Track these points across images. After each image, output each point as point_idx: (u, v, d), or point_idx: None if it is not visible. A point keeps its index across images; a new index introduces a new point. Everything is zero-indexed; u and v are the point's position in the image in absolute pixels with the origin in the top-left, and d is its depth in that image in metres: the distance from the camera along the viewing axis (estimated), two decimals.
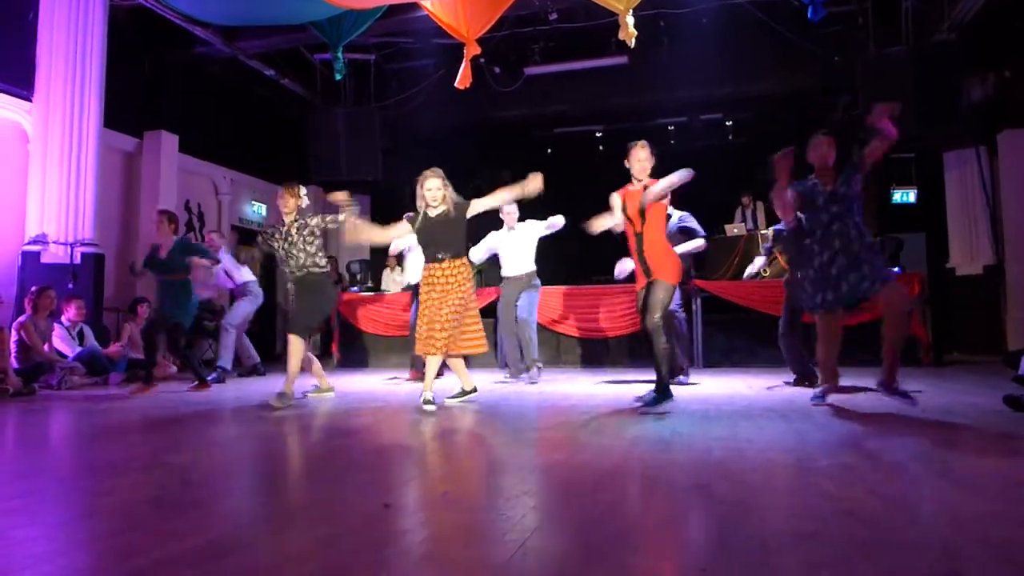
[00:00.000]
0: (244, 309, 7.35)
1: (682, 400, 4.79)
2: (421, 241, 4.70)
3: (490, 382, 6.28)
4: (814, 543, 1.69)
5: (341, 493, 2.30)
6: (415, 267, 6.91)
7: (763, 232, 8.88)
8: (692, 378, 5.95)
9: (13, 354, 6.08)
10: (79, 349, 6.67)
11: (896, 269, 7.94)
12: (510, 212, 6.47)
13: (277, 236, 5.09)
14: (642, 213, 4.31)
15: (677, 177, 4.19)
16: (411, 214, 4.86)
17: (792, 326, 5.72)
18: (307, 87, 10.06)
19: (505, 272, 6.61)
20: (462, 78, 7.04)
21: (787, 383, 5.65)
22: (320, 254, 5.06)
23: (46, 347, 6.43)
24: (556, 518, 1.99)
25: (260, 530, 1.90)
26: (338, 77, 7.70)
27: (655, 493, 2.25)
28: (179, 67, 9.04)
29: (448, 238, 4.57)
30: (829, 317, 4.21)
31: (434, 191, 4.56)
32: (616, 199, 4.46)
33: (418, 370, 6.88)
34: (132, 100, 8.54)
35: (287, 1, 6.27)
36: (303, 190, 5.13)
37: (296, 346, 4.88)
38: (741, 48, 9.06)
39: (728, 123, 11.77)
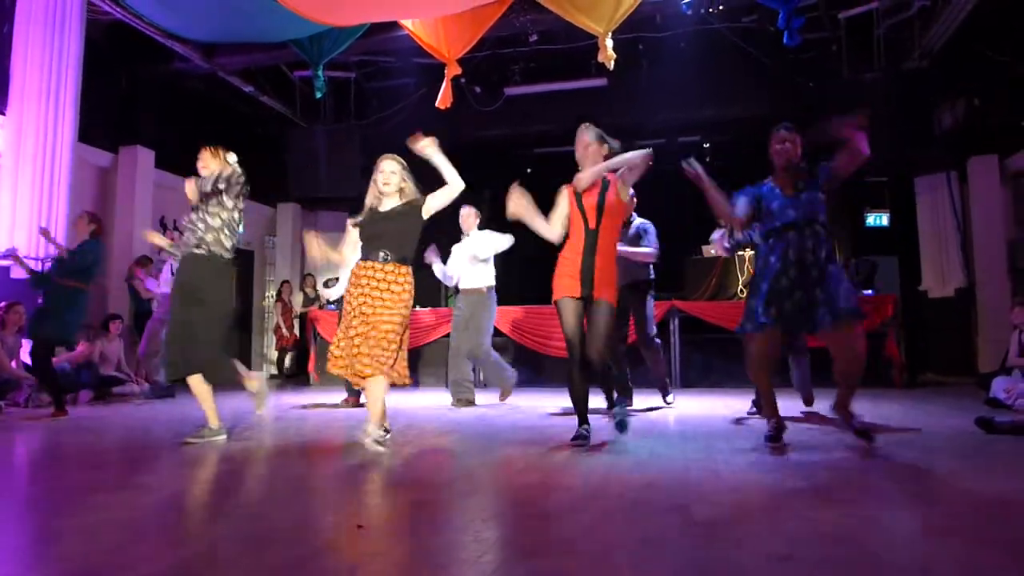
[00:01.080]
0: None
1: (660, 421, 4.79)
2: (363, 235, 3.78)
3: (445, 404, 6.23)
4: (790, 565, 1.68)
5: (312, 515, 2.25)
6: None
7: (740, 253, 8.95)
8: (670, 398, 5.75)
9: None
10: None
11: (869, 292, 8.04)
12: (466, 215, 6.06)
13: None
14: (600, 207, 3.69)
15: (635, 155, 3.73)
16: (354, 219, 3.94)
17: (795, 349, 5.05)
18: (287, 104, 10.03)
19: (460, 284, 6.08)
20: (443, 98, 7.08)
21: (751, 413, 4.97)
22: (226, 235, 4.07)
23: (13, 364, 6.29)
24: (532, 540, 1.96)
25: (231, 552, 1.85)
26: (318, 95, 7.69)
27: (632, 514, 2.23)
28: (156, 82, 8.97)
29: (397, 237, 3.71)
30: (762, 337, 3.52)
31: (387, 174, 3.80)
32: (565, 194, 3.85)
33: (354, 395, 6.14)
34: (108, 115, 8.45)
35: (268, 19, 6.26)
36: (232, 156, 4.27)
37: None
38: (718, 72, 9.19)
39: (706, 145, 11.89)
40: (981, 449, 3.50)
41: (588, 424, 3.67)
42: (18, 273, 6.84)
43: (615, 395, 4.26)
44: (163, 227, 9.55)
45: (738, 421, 4.72)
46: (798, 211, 3.51)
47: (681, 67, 8.99)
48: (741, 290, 8.52)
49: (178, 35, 7.38)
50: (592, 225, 3.69)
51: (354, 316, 3.55)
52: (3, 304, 6.35)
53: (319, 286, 10.01)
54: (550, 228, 3.79)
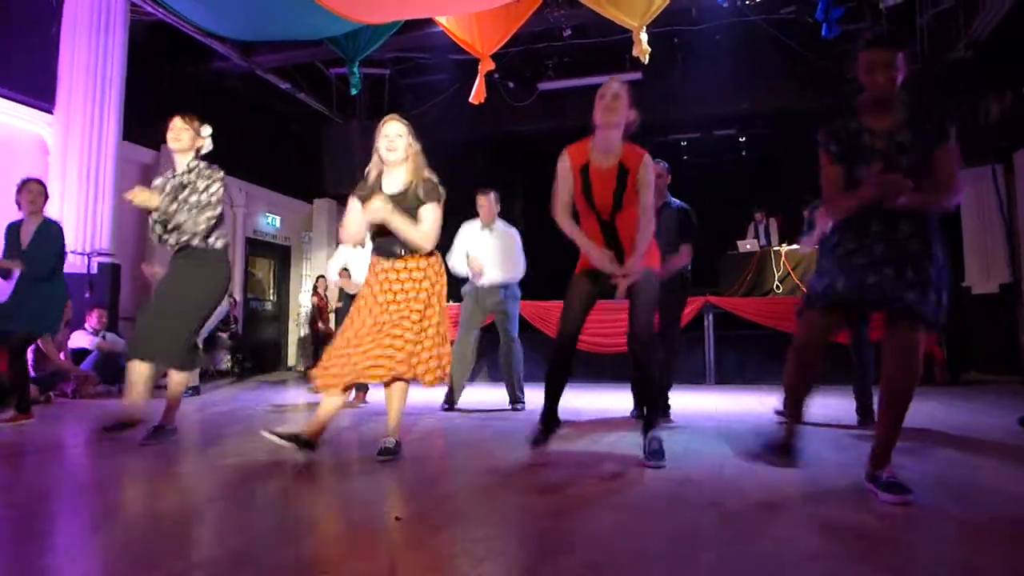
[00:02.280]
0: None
1: (695, 417, 4.76)
2: (371, 229, 3.21)
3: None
4: (827, 563, 1.68)
5: (342, 503, 2.30)
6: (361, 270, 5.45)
7: (776, 248, 8.85)
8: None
9: (30, 363, 6.13)
10: (94, 353, 6.74)
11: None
12: (490, 204, 5.35)
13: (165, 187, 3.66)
14: (617, 204, 3.07)
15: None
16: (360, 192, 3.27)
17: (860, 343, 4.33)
18: (323, 101, 10.16)
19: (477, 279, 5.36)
20: (476, 93, 7.11)
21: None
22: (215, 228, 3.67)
23: (62, 355, 6.50)
24: (567, 534, 1.98)
25: (261, 546, 1.90)
26: (354, 91, 7.77)
27: (668, 509, 2.23)
28: (197, 81, 9.16)
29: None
30: (819, 317, 2.55)
31: (392, 138, 3.16)
32: (568, 167, 3.15)
33: (362, 391, 5.66)
34: (151, 113, 8.62)
35: (305, 18, 6.34)
36: (206, 129, 3.88)
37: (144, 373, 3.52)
38: (755, 65, 9.07)
39: (741, 139, 11.76)
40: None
41: (558, 421, 3.26)
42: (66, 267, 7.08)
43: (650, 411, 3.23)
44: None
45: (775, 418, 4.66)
46: (898, 161, 2.50)
47: (717, 60, 8.89)
48: (777, 286, 8.43)
49: (217, 34, 7.52)
50: (606, 217, 3.12)
51: (372, 322, 3.05)
52: None
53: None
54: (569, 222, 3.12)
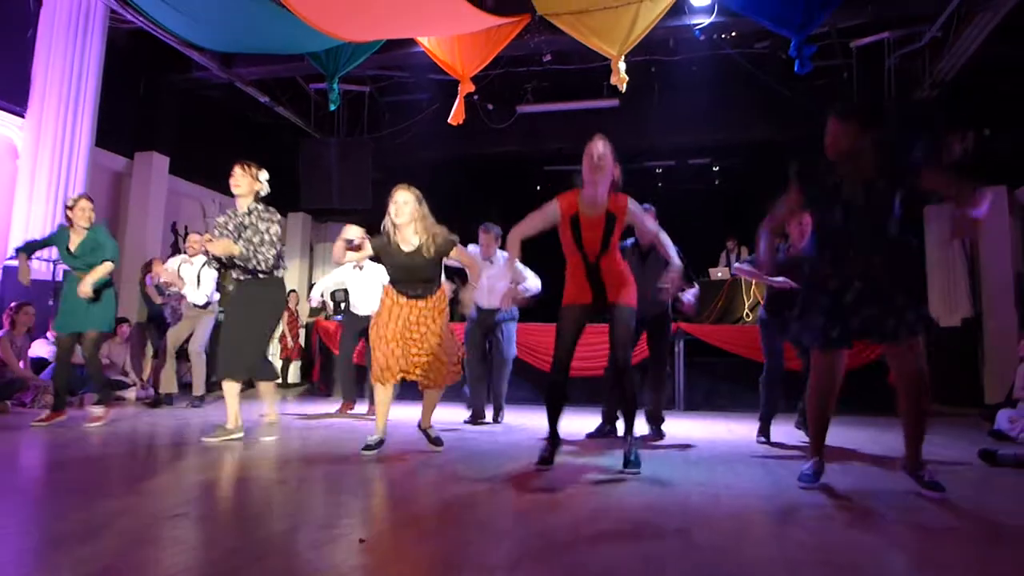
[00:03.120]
0: (209, 328, 6.77)
1: (664, 443, 4.79)
2: (390, 271, 3.96)
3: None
4: None
5: (311, 526, 2.27)
6: (363, 299, 6.40)
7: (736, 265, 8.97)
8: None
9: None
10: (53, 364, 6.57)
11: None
12: (492, 239, 5.84)
13: (228, 226, 4.27)
14: (604, 246, 3.46)
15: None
16: (374, 240, 3.94)
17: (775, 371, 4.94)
18: (301, 115, 10.14)
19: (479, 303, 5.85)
20: (456, 114, 7.15)
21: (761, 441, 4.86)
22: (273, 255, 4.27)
23: (21, 364, 6.34)
24: (532, 560, 1.97)
25: (233, 561, 1.87)
26: (333, 107, 7.77)
27: (633, 537, 2.24)
28: (175, 90, 9.09)
29: (427, 273, 3.87)
30: (828, 358, 3.03)
31: (400, 204, 3.80)
32: (556, 211, 3.51)
33: (351, 401, 6.51)
34: (125, 120, 8.56)
35: (286, 32, 6.35)
36: (264, 175, 4.40)
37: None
38: (730, 97, 9.27)
39: (715, 168, 11.96)
40: (984, 482, 3.50)
41: (559, 441, 3.61)
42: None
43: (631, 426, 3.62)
44: (174, 233, 9.64)
45: (743, 446, 4.71)
46: (870, 203, 2.92)
47: (693, 91, 9.07)
48: (747, 314, 8.54)
49: (197, 45, 7.48)
50: (591, 259, 3.48)
51: (410, 341, 3.85)
52: (13, 304, 6.41)
53: (326, 296, 10.06)
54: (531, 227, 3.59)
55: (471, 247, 5.80)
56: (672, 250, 3.66)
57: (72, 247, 4.99)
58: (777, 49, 8.01)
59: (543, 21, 6.59)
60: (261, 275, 4.26)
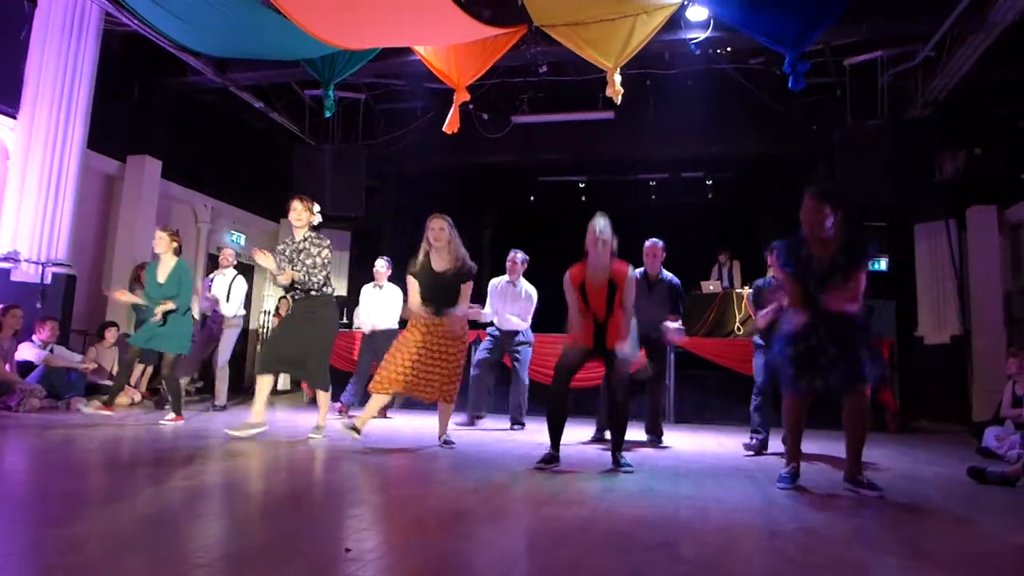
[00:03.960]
0: (233, 342, 7.39)
1: (652, 456, 4.78)
2: (424, 294, 4.61)
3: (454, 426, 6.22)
4: None
5: (302, 535, 2.24)
6: (380, 316, 7.13)
7: (738, 290, 9.00)
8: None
9: None
10: (40, 367, 6.51)
11: None
12: (520, 262, 6.50)
13: (289, 252, 4.95)
14: (608, 307, 4.00)
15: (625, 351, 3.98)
16: (411, 271, 4.72)
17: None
18: (296, 121, 10.12)
19: (498, 324, 6.55)
20: (450, 123, 7.16)
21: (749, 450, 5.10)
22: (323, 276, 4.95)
23: (8, 367, 6.27)
24: (520, 571, 1.95)
25: (219, 569, 1.84)
26: (328, 114, 7.76)
27: (620, 549, 2.22)
28: (169, 94, 9.06)
29: (448, 293, 4.59)
30: (800, 402, 3.71)
31: (437, 231, 4.58)
32: (569, 286, 4.10)
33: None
34: (118, 123, 8.53)
35: (283, 38, 6.35)
36: (317, 206, 5.05)
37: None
38: (724, 111, 9.31)
39: (708, 182, 12.01)
40: (972, 499, 3.50)
41: (558, 451, 3.99)
42: (18, 276, 6.87)
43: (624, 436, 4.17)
44: None
45: (732, 459, 4.70)
46: (837, 281, 3.51)
47: (687, 104, 9.11)
48: (738, 327, 8.55)
49: (193, 50, 7.47)
50: (601, 319, 4.03)
51: (429, 357, 4.53)
52: (1, 307, 6.35)
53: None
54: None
55: (493, 281, 6.63)
56: (625, 329, 4.02)
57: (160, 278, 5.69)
58: (771, 65, 8.06)
59: (539, 32, 6.62)
60: (314, 293, 4.85)
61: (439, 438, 4.80)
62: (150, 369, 7.52)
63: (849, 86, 8.27)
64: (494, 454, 4.56)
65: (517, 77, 8.86)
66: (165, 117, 9.11)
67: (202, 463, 3.64)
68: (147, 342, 5.65)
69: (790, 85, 6.28)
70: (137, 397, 7.30)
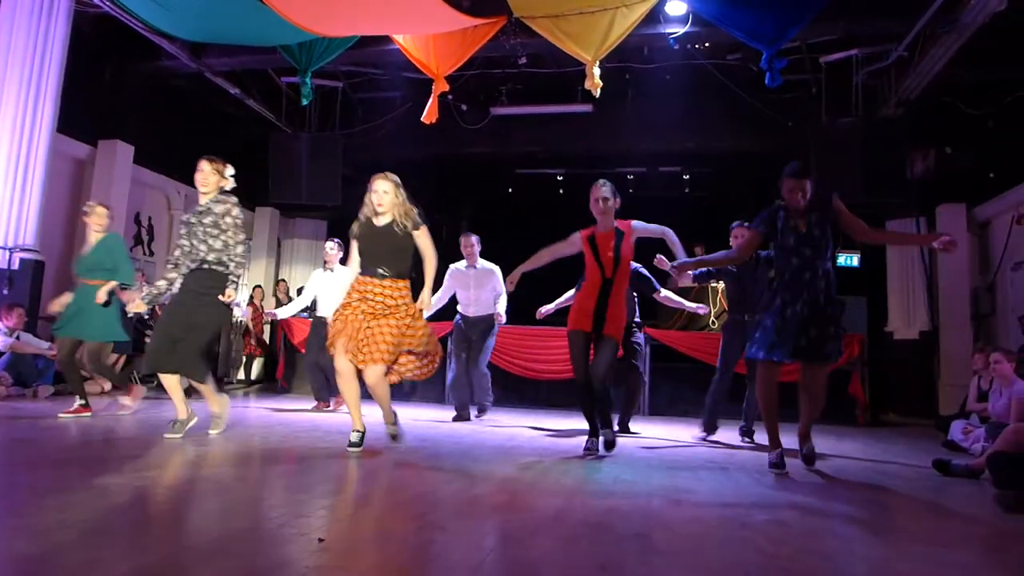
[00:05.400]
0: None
1: (626, 447, 4.82)
2: (361, 249, 4.02)
3: (431, 420, 6.22)
4: None
5: (270, 525, 2.23)
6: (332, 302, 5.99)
7: (713, 285, 9.08)
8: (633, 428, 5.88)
9: None
10: (6, 354, 6.39)
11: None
12: (472, 244, 6.35)
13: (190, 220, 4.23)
14: (616, 259, 4.16)
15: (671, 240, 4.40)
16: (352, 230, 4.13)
17: (726, 372, 5.52)
18: (272, 109, 9.99)
19: (462, 311, 6.44)
20: (429, 113, 7.12)
21: (702, 439, 5.43)
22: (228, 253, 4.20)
23: None
24: (494, 562, 1.96)
25: (190, 558, 1.82)
26: (304, 102, 7.68)
27: (593, 540, 2.24)
28: (142, 78, 8.88)
29: (393, 253, 3.94)
30: (771, 369, 3.88)
31: (380, 194, 3.94)
32: (578, 240, 4.30)
33: (325, 400, 6.76)
34: (89, 107, 8.35)
35: (259, 24, 6.26)
36: (230, 170, 4.35)
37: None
38: (702, 106, 9.37)
39: (686, 177, 12.08)
40: (937, 490, 3.58)
41: (597, 436, 4.21)
42: None
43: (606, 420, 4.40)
44: (137, 224, 9.44)
45: (705, 451, 4.76)
46: (812, 250, 3.82)
47: (665, 99, 9.15)
48: (713, 322, 8.63)
49: (167, 33, 7.33)
50: (608, 274, 4.16)
51: (362, 322, 3.81)
52: None
53: (292, 292, 9.94)
54: (565, 249, 4.36)
55: (452, 267, 6.38)
56: (672, 238, 4.46)
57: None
58: (749, 61, 8.13)
59: (519, 23, 6.60)
60: (217, 268, 4.17)
61: (391, 423, 4.17)
62: (123, 359, 7.42)
63: (824, 83, 8.37)
64: (468, 445, 4.56)
65: (496, 68, 8.83)
66: (138, 102, 8.94)
67: (165, 457, 3.60)
68: (68, 330, 5.03)
69: (767, 81, 6.35)
70: (107, 386, 7.19)
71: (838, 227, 3.88)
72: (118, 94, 8.73)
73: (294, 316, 7.73)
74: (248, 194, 11.02)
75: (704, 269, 5.23)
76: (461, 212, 13.23)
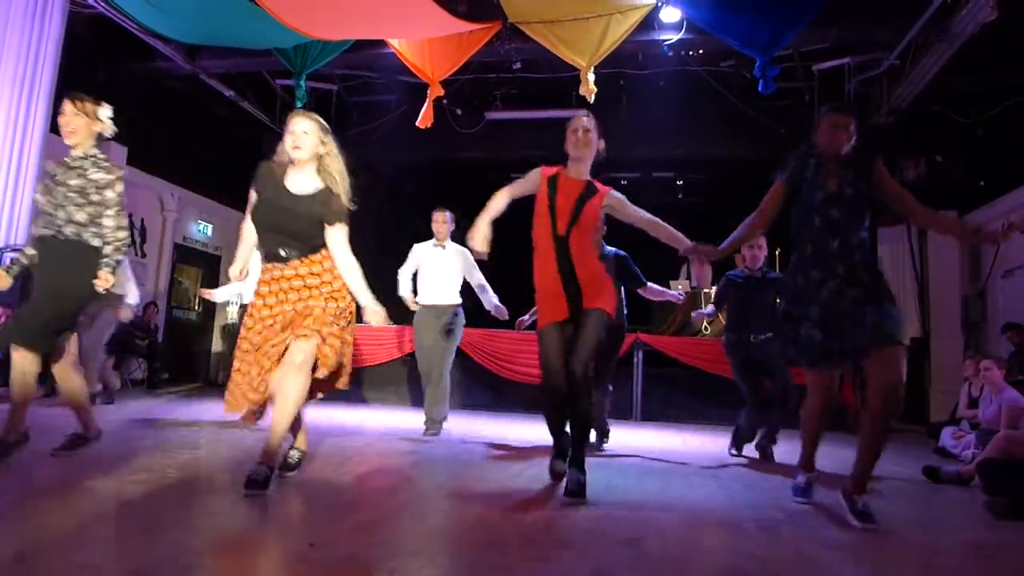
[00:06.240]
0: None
1: (619, 452, 4.82)
2: (257, 220, 2.95)
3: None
4: None
5: (265, 530, 2.23)
6: None
7: (705, 291, 9.11)
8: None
9: None
10: None
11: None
12: (444, 221, 5.43)
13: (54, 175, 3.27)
14: (576, 213, 3.14)
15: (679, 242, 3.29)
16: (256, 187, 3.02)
17: (759, 393, 4.74)
18: (267, 111, 9.97)
19: (425, 298, 5.40)
20: (424, 118, 7.14)
21: (734, 454, 4.89)
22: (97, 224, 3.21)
23: None
24: (485, 569, 1.96)
25: (175, 566, 1.82)
26: (299, 104, 7.67)
27: (585, 546, 2.25)
28: (137, 79, 8.86)
29: (308, 228, 2.90)
30: (828, 376, 3.02)
31: (298, 135, 2.87)
32: (537, 179, 3.29)
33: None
34: None
35: (255, 26, 6.26)
36: (105, 112, 3.40)
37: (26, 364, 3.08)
38: (696, 113, 9.41)
39: (679, 183, 12.12)
40: (926, 498, 3.60)
41: (566, 457, 3.16)
42: None
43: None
44: (130, 226, 9.39)
45: (697, 457, 4.76)
46: (843, 211, 2.93)
47: (660, 105, 9.19)
48: (705, 327, 8.65)
49: (163, 35, 7.32)
50: (561, 231, 3.13)
51: (273, 329, 2.81)
52: None
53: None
54: (513, 192, 3.30)
55: (416, 246, 5.48)
56: (665, 228, 3.35)
57: None
58: (742, 69, 8.17)
59: (514, 29, 6.62)
60: (86, 236, 3.19)
61: (284, 456, 3.07)
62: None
63: (817, 91, 8.42)
64: (459, 451, 4.55)
65: (491, 73, 8.84)
66: (131, 103, 8.88)
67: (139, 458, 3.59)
68: None
69: (760, 88, 6.39)
70: (98, 387, 7.14)
71: (875, 196, 3.01)
72: (112, 95, 8.59)
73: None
74: (243, 196, 11.04)
75: (722, 296, 5.00)
76: (455, 216, 13.24)
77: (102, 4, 6.77)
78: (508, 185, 3.33)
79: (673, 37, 7.25)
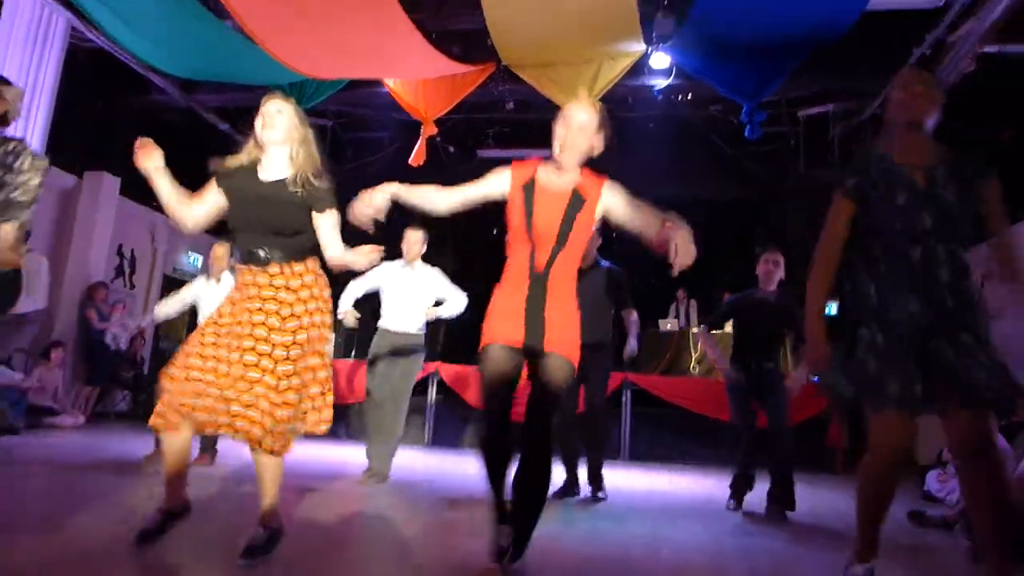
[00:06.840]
0: None
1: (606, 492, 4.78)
2: (235, 216, 2.62)
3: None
4: None
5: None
6: None
7: (694, 330, 9.17)
8: (601, 493, 4.44)
9: None
10: None
11: (815, 378, 8.15)
12: (415, 240, 4.71)
13: None
14: (564, 229, 2.43)
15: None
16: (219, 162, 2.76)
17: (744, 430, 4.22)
18: None
19: (386, 323, 4.70)
20: (416, 155, 7.23)
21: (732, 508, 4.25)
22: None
23: None
24: None
25: None
26: None
27: None
28: (132, 111, 8.95)
29: (287, 212, 2.53)
30: (901, 421, 2.19)
31: (272, 115, 2.62)
32: (507, 179, 2.60)
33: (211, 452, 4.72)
34: (78, 138, 8.38)
35: (251, 63, 6.35)
36: (11, 91, 2.97)
37: None
38: (684, 156, 9.57)
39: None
40: (911, 541, 3.61)
41: (507, 515, 2.36)
42: None
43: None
44: (120, 256, 9.40)
45: (684, 498, 4.74)
46: (936, 214, 2.15)
47: (649, 147, 9.33)
48: (693, 367, 8.69)
49: (160, 70, 7.42)
50: (540, 266, 2.42)
51: (241, 344, 2.34)
52: None
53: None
54: (432, 199, 2.65)
55: (383, 263, 4.19)
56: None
57: None
58: (730, 113, 8.35)
59: (507, 70, 6.76)
60: None
61: (259, 520, 2.36)
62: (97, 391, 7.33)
63: (803, 136, 8.60)
64: (443, 487, 4.52)
65: (483, 113, 8.99)
66: (126, 134, 8.95)
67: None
68: None
69: (747, 133, 6.53)
70: (77, 419, 7.08)
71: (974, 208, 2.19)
72: (107, 126, 8.78)
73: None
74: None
75: (724, 310, 4.59)
76: (444, 252, 13.29)
77: (102, 38, 6.87)
78: (461, 185, 2.67)
79: (663, 82, 7.42)
